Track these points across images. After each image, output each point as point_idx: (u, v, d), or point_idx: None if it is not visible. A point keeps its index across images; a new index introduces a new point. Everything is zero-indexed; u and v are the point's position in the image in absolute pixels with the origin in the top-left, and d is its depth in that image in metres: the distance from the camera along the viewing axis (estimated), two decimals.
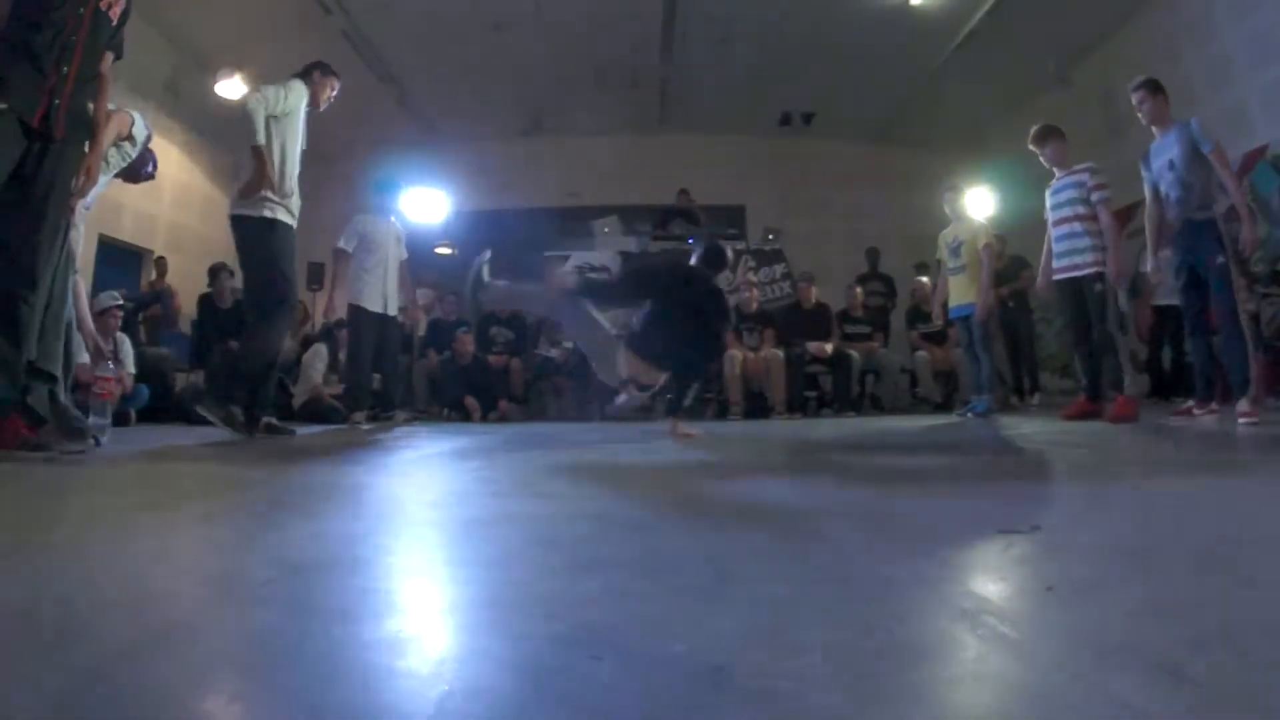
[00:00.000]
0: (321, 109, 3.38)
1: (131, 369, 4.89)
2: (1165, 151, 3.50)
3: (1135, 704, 0.44)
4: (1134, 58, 6.53)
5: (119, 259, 6.87)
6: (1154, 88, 3.53)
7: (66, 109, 2.10)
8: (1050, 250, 4.02)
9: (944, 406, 5.77)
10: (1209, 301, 3.38)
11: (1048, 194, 4.03)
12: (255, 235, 3.04)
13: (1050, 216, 4.00)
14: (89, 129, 2.22)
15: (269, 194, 3.00)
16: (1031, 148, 4.01)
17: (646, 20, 6.79)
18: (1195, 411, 3.45)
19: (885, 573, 0.80)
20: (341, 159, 8.95)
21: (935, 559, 0.84)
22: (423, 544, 1.05)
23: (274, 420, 3.35)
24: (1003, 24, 6.51)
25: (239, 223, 3.07)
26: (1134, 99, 3.57)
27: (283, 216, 3.07)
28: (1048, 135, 3.97)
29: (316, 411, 5.16)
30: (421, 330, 6.19)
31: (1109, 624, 0.60)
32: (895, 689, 0.48)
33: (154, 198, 7.04)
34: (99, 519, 1.26)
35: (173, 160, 7.15)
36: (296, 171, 3.19)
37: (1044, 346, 7.87)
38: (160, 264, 7.10)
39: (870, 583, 0.76)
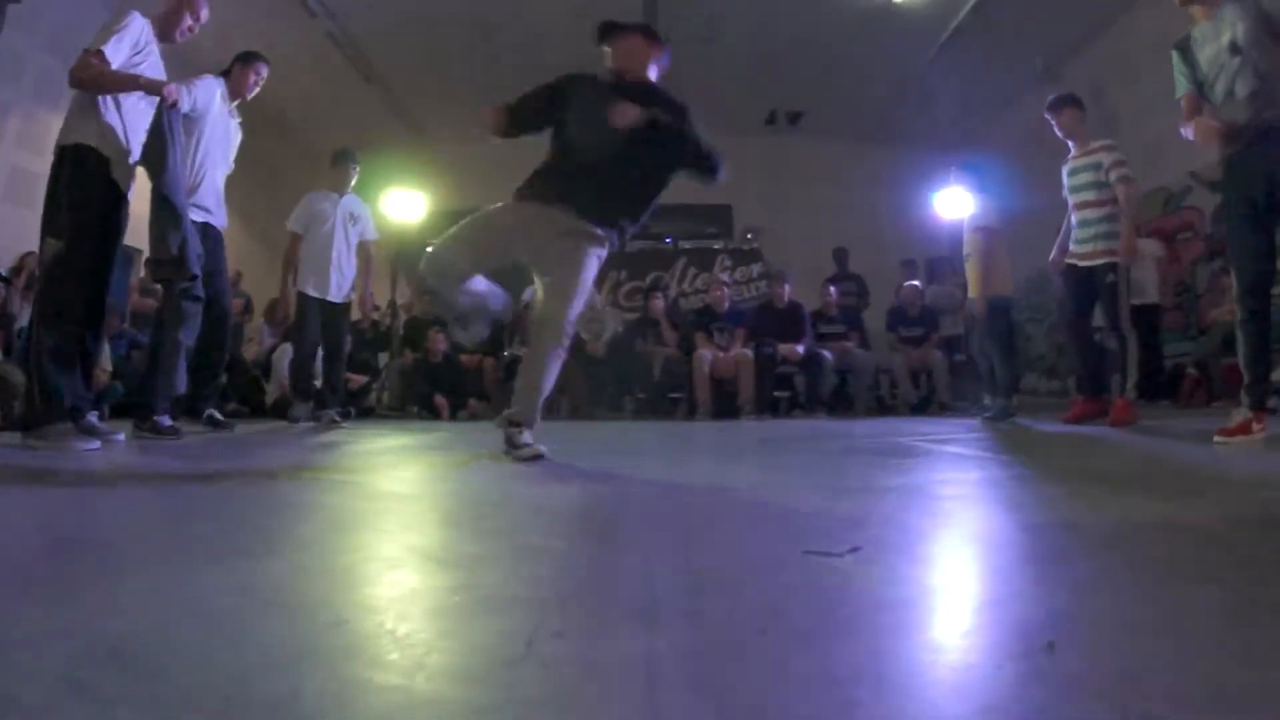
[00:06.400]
0: (249, 97, 3.36)
1: (108, 366, 4.99)
2: (1217, 36, 2.54)
3: None
4: (1124, 53, 6.41)
5: None
6: None
7: None
8: (1067, 231, 3.76)
9: (920, 408, 5.71)
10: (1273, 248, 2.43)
11: (1064, 171, 3.77)
12: None
13: (1068, 199, 3.74)
14: None
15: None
16: (1046, 115, 3.77)
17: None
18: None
19: None
20: (328, 160, 9.03)
21: None
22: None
23: (215, 413, 3.39)
24: (988, 21, 6.43)
25: None
26: None
27: (193, 213, 3.05)
28: (1064, 103, 3.69)
29: (287, 409, 5.22)
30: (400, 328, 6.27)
31: None
32: None
33: (142, 198, 7.13)
34: None
35: None
36: (220, 169, 3.18)
37: (1033, 347, 7.78)
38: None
39: None
